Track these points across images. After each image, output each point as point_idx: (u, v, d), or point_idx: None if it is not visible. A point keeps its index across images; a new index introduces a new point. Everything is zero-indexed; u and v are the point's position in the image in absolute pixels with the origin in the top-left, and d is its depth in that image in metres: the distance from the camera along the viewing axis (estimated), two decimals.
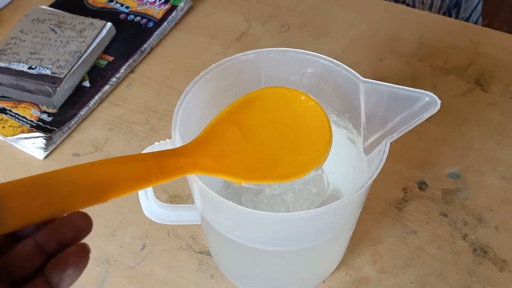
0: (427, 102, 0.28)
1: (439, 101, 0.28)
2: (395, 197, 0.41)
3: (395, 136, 0.28)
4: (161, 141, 0.29)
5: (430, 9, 0.75)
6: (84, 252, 0.20)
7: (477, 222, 0.39)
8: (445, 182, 0.42)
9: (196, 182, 0.26)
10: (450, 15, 0.76)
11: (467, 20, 0.77)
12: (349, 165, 0.34)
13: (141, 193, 0.31)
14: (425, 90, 0.29)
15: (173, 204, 0.41)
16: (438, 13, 0.74)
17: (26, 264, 0.19)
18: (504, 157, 0.43)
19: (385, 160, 0.26)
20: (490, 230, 0.39)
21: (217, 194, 0.25)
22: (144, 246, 0.39)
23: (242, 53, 0.32)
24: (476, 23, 0.78)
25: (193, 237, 0.39)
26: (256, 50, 0.32)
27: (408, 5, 0.75)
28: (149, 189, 0.31)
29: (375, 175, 0.26)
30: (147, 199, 0.31)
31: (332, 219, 0.27)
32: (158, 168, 0.23)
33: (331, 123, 0.34)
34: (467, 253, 0.38)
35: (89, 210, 0.42)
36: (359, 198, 0.27)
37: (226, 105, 0.30)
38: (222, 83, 0.32)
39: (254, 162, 0.27)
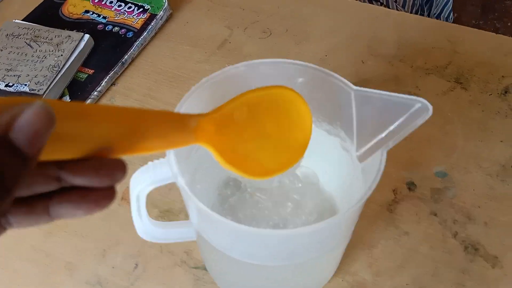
0: (418, 108, 0.29)
1: (430, 107, 0.28)
2: (386, 199, 0.41)
3: (391, 144, 0.28)
4: (155, 161, 0.28)
5: (403, 7, 0.76)
6: (95, 200, 0.19)
7: (466, 219, 0.40)
8: (433, 181, 0.43)
9: (193, 200, 0.25)
10: (422, 12, 0.78)
11: (439, 15, 0.79)
12: (343, 173, 0.34)
13: (134, 211, 0.30)
14: (414, 95, 0.29)
15: (164, 220, 0.41)
16: (411, 11, 0.75)
17: (40, 183, 0.19)
18: (487, 154, 0.44)
19: (382, 170, 0.27)
20: (479, 227, 0.40)
21: (212, 209, 0.25)
22: (137, 265, 0.38)
23: (233, 66, 0.32)
24: (447, 18, 0.80)
25: (187, 252, 0.39)
26: (247, 62, 0.32)
27: (382, 4, 0.76)
28: (143, 207, 0.30)
29: (374, 186, 0.26)
30: (141, 218, 0.31)
31: (332, 232, 0.28)
32: (190, 128, 0.24)
33: (323, 131, 0.34)
34: (459, 251, 0.38)
35: (76, 230, 0.40)
36: (357, 210, 0.27)
37: None
38: (213, 97, 0.32)
39: (255, 156, 0.27)
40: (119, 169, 0.20)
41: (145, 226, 0.31)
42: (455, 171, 0.43)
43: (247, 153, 0.27)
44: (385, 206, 0.41)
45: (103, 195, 0.19)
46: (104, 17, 0.55)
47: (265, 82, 0.33)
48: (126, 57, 0.51)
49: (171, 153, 0.27)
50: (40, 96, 0.46)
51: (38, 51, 0.50)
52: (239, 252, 0.28)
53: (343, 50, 0.53)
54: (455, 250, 0.39)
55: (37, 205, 0.19)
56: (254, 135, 0.27)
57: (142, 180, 0.28)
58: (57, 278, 0.38)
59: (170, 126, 0.23)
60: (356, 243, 0.39)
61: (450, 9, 0.82)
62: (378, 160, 0.27)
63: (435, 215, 0.41)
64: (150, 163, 0.28)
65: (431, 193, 0.42)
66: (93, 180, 0.19)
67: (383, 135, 0.29)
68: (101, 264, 0.39)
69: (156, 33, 0.54)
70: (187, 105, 0.29)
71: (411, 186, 0.42)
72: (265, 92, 0.28)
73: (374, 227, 0.40)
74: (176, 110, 0.29)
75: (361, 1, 0.61)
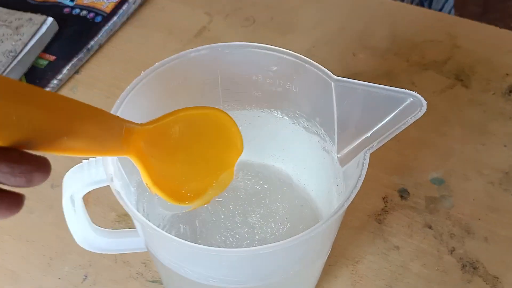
0: (410, 103, 0.24)
1: (424, 102, 0.24)
2: (374, 208, 0.37)
3: (375, 145, 0.23)
4: (90, 159, 0.24)
5: (402, 0, 0.72)
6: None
7: (465, 233, 0.36)
8: (428, 189, 0.38)
9: (129, 209, 0.20)
10: (422, 6, 0.73)
11: (439, 11, 0.74)
12: (323, 176, 0.29)
13: (69, 215, 0.25)
14: (407, 89, 0.25)
15: (122, 225, 0.36)
16: (411, 4, 0.71)
17: None
18: (489, 159, 0.39)
19: (364, 176, 0.22)
20: (479, 242, 0.35)
21: (168, 217, 0.20)
22: (86, 277, 0.34)
23: (193, 49, 0.27)
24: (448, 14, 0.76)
25: (145, 263, 0.34)
26: (210, 45, 0.27)
27: None
28: (81, 210, 0.25)
29: (353, 195, 0.21)
30: (79, 224, 0.26)
31: (303, 249, 0.23)
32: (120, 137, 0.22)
33: (301, 128, 0.30)
34: (456, 269, 0.34)
35: (22, 234, 0.35)
36: (336, 222, 0.22)
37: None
38: (169, 85, 0.27)
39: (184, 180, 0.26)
40: (41, 170, 0.17)
41: (85, 234, 0.26)
42: (452, 178, 0.38)
43: (175, 176, 0.25)
44: (373, 215, 0.36)
45: (10, 198, 0.17)
46: (72, 0, 0.50)
47: (232, 70, 0.28)
48: (92, 43, 0.46)
49: None
50: None
51: None
52: (194, 272, 0.23)
53: (332, 42, 0.48)
54: (452, 269, 0.34)
55: None
56: (185, 157, 0.26)
57: (75, 181, 0.23)
58: None
59: (101, 127, 0.21)
60: (338, 257, 0.34)
61: (451, 5, 0.78)
62: (360, 164, 0.22)
63: (430, 227, 0.36)
64: (84, 161, 0.24)
65: (426, 202, 0.37)
66: (7, 179, 0.16)
67: (368, 134, 0.25)
68: (46, 275, 0.34)
69: (128, 19, 0.50)
70: (134, 96, 0.25)
71: (403, 193, 0.38)
72: (200, 112, 0.26)
73: (360, 239, 0.35)
74: (120, 98, 0.25)
75: None
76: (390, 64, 0.46)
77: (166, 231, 0.27)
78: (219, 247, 0.26)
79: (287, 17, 0.50)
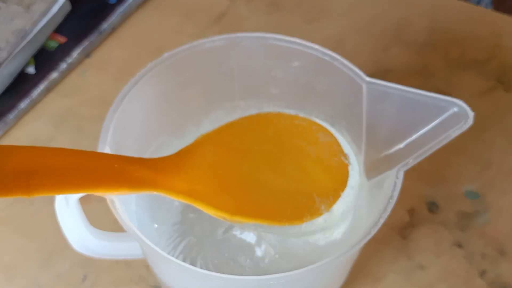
0: (454, 114, 0.21)
1: (471, 114, 0.20)
2: (399, 221, 0.34)
3: (411, 162, 0.20)
4: None
5: None
6: None
7: (498, 254, 0.32)
8: (461, 202, 0.34)
9: (124, 222, 0.18)
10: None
11: (477, 4, 0.69)
12: (348, 189, 0.26)
13: (62, 214, 0.23)
14: (450, 97, 0.21)
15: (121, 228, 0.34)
16: None
17: None
18: None
19: (396, 198, 0.19)
20: None
21: (173, 228, 0.18)
22: (86, 276, 0.32)
23: (208, 39, 0.24)
24: (486, 7, 0.71)
25: (147, 267, 0.32)
26: (226, 35, 0.24)
27: None
28: (76, 209, 0.23)
29: (382, 220, 0.18)
30: (73, 223, 0.23)
31: (319, 276, 0.20)
32: (125, 175, 0.20)
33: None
34: None
35: (21, 226, 0.33)
36: (357, 250, 0.19)
37: (186, 108, 0.22)
38: (179, 78, 0.24)
39: (244, 195, 0.22)
40: None
41: (80, 236, 0.24)
42: (489, 192, 0.35)
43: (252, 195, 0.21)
44: (397, 229, 0.33)
45: None
46: None
47: (250, 64, 0.25)
48: (105, 25, 0.44)
49: (105, 148, 0.20)
50: None
51: (5, 12, 0.43)
52: None
53: (363, 33, 0.44)
54: None
55: None
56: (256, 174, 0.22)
57: None
58: None
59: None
60: (357, 274, 0.31)
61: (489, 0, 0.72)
62: (392, 184, 0.19)
63: (460, 246, 0.32)
64: None
65: (457, 217, 0.34)
66: None
67: (401, 145, 0.22)
68: (44, 271, 0.32)
69: (144, 1, 0.47)
70: (138, 89, 0.22)
71: (432, 206, 0.34)
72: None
73: (382, 256, 0.32)
74: (122, 92, 0.22)
75: None
76: (426, 61, 0.42)
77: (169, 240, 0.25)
78: (218, 268, 0.23)
79: (315, 3, 0.47)
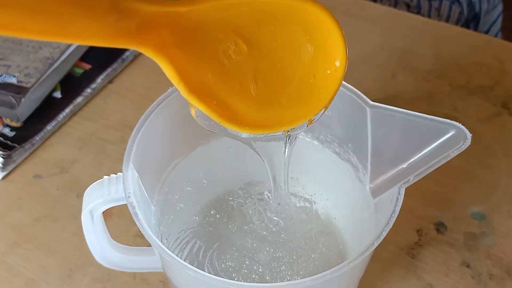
0: (452, 136, 0.22)
1: (469, 135, 0.22)
2: (407, 241, 0.34)
3: (412, 179, 0.22)
4: (112, 175, 0.23)
5: (447, 20, 0.69)
6: None
7: (505, 275, 0.33)
8: (468, 224, 0.35)
9: (146, 233, 0.19)
10: (468, 28, 0.70)
11: (485, 33, 0.71)
12: (352, 205, 0.27)
13: (87, 230, 0.24)
14: (449, 119, 0.23)
15: (143, 241, 0.35)
16: (456, 25, 0.68)
17: None
18: None
19: (398, 212, 0.20)
20: None
21: (192, 236, 0.19)
22: None
23: None
24: (495, 37, 0.72)
25: (163, 282, 0.33)
26: None
27: (423, 15, 0.69)
28: (100, 226, 0.25)
29: (384, 233, 0.20)
30: (97, 240, 0.25)
31: (329, 287, 0.21)
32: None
33: (332, 153, 0.28)
34: None
35: (45, 243, 0.35)
36: (364, 260, 0.21)
37: (200, 130, 0.22)
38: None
39: (246, 91, 0.18)
40: None
41: (103, 249, 0.26)
42: (495, 213, 0.35)
43: (224, 84, 0.17)
44: (405, 249, 0.34)
45: None
46: None
47: None
48: (127, 53, 0.47)
49: (129, 168, 0.22)
50: (27, 89, 0.42)
51: (34, 40, 0.46)
52: None
53: (370, 61, 0.46)
54: None
55: None
56: (248, 58, 0.18)
57: (94, 198, 0.23)
58: None
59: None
60: None
61: (498, 27, 0.74)
62: (394, 200, 0.21)
63: (468, 266, 0.33)
64: (105, 177, 0.23)
65: (465, 238, 0.34)
66: None
67: (404, 165, 0.23)
68: (64, 286, 0.33)
69: None
70: (160, 112, 0.24)
71: (440, 227, 0.35)
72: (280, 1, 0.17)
73: (390, 274, 0.33)
74: (146, 113, 0.24)
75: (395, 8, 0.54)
76: (432, 87, 0.44)
77: (182, 246, 0.26)
78: (233, 275, 0.25)
79: None
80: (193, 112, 0.19)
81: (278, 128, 0.19)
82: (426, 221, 0.35)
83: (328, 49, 0.20)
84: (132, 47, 0.16)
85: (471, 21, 0.72)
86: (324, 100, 0.20)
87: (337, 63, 0.20)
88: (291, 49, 0.19)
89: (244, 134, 0.19)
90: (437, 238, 0.34)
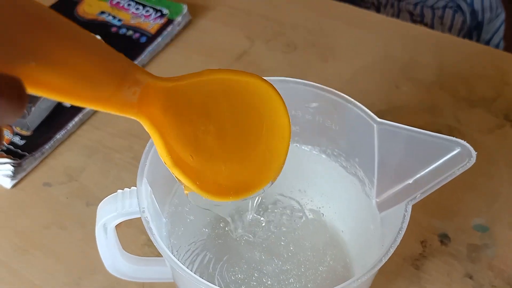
0: (458, 154, 0.23)
1: (474, 153, 0.22)
2: (411, 252, 0.35)
3: (418, 197, 0.22)
4: (125, 189, 0.24)
5: (450, 29, 0.70)
6: None
7: (507, 286, 0.33)
8: (470, 235, 0.36)
9: (159, 245, 0.20)
10: (470, 37, 0.71)
11: (488, 42, 0.72)
12: (357, 219, 0.28)
13: (100, 242, 0.25)
14: (456, 138, 0.23)
15: (150, 250, 0.36)
16: (459, 34, 0.69)
17: None
18: None
19: (405, 229, 0.21)
20: None
21: (201, 249, 0.19)
22: None
23: None
24: (497, 45, 0.73)
25: None
26: None
27: (426, 25, 0.69)
28: (112, 239, 0.25)
29: (392, 250, 0.20)
30: (109, 251, 0.26)
31: None
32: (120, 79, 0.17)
33: (339, 167, 0.28)
34: None
35: (52, 250, 0.35)
36: (371, 277, 0.21)
37: None
38: None
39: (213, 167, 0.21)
40: (9, 93, 0.12)
41: (114, 260, 0.26)
42: (497, 225, 0.36)
43: (203, 157, 0.20)
44: (409, 260, 0.35)
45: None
46: (120, 20, 0.51)
47: None
48: (136, 63, 0.47)
49: (143, 182, 0.22)
50: (37, 98, 0.42)
51: None
52: None
53: (375, 72, 0.47)
54: None
55: None
56: (216, 134, 0.20)
57: (108, 211, 0.23)
58: None
59: (95, 61, 0.16)
60: None
61: (501, 36, 0.75)
62: (401, 217, 0.21)
63: (471, 277, 0.34)
64: (119, 191, 0.24)
65: (468, 250, 0.35)
66: None
67: (409, 181, 0.24)
68: None
69: (171, 40, 0.50)
70: None
71: (443, 238, 0.36)
72: (237, 78, 0.20)
73: (394, 285, 0.33)
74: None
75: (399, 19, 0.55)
76: (435, 98, 0.44)
77: (192, 258, 0.27)
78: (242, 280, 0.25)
79: (329, 44, 0.50)
80: (186, 192, 0.21)
81: (246, 194, 0.22)
82: (430, 233, 0.36)
83: (276, 122, 0.22)
84: (133, 116, 0.18)
85: (474, 29, 0.72)
86: (278, 163, 0.23)
87: (286, 135, 0.22)
88: (249, 123, 0.21)
89: (219, 202, 0.22)
90: (441, 249, 0.35)
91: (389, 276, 0.34)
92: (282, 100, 0.22)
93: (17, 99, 0.12)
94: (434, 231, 0.36)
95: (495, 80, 0.46)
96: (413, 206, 0.36)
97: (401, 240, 0.35)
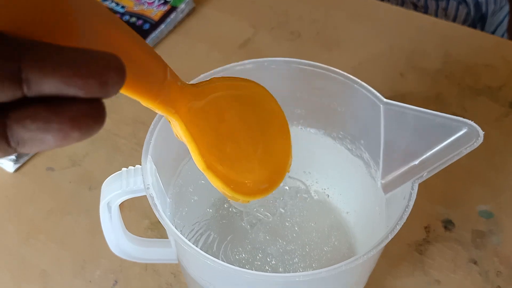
0: (465, 133, 0.23)
1: (481, 133, 0.22)
2: (415, 237, 0.35)
3: (425, 175, 0.22)
4: (130, 167, 0.23)
5: (453, 21, 0.69)
6: (71, 118, 0.12)
7: None
8: (476, 221, 0.35)
9: (164, 221, 0.20)
10: (474, 29, 0.71)
11: (491, 34, 0.71)
12: (363, 201, 0.28)
13: (104, 222, 0.25)
14: (462, 117, 0.23)
15: (154, 233, 0.36)
16: (463, 25, 0.68)
17: None
18: None
19: (411, 207, 0.21)
20: None
21: (206, 228, 0.19)
22: (116, 282, 0.33)
23: (239, 63, 0.27)
24: (501, 38, 0.72)
25: (174, 274, 0.34)
26: (255, 59, 0.27)
27: (430, 16, 0.69)
28: (116, 218, 0.25)
29: (398, 227, 0.20)
30: (113, 231, 0.26)
31: (340, 280, 0.22)
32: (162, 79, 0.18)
33: (344, 150, 0.28)
34: None
35: (57, 236, 0.36)
36: (376, 254, 0.21)
37: None
38: None
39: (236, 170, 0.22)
40: (112, 68, 0.12)
41: (118, 240, 0.26)
42: (503, 212, 0.36)
43: (228, 160, 0.21)
44: (413, 245, 0.34)
45: (84, 110, 0.12)
46: (123, 7, 0.51)
47: (277, 86, 0.28)
48: None
49: (148, 160, 0.22)
50: None
51: None
52: None
53: (380, 61, 0.47)
54: None
55: None
56: (232, 139, 0.21)
57: (112, 189, 0.23)
58: (28, 287, 0.34)
59: (144, 58, 0.17)
60: (375, 287, 0.33)
61: (504, 29, 0.74)
62: (407, 195, 0.21)
63: (475, 263, 0.33)
64: (124, 169, 0.23)
65: (472, 235, 0.35)
66: (72, 82, 0.12)
67: (416, 162, 0.23)
68: (77, 277, 0.34)
69: (174, 27, 0.50)
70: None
71: (448, 224, 0.35)
72: (247, 85, 0.22)
73: (398, 270, 0.33)
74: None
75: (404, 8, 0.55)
76: (440, 87, 0.44)
77: (196, 237, 0.27)
78: (247, 267, 0.25)
79: (334, 33, 0.49)
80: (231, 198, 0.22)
81: (272, 190, 0.23)
82: (434, 219, 0.36)
83: (275, 120, 0.24)
84: (172, 116, 0.19)
85: (478, 21, 0.72)
86: (288, 156, 0.24)
87: (287, 138, 0.24)
88: (255, 124, 0.23)
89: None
90: (445, 235, 0.35)
91: (394, 260, 0.34)
92: (275, 100, 0.23)
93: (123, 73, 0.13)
94: (438, 217, 0.36)
95: (500, 69, 0.45)
96: (418, 193, 0.35)
97: (405, 226, 0.35)
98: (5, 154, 0.13)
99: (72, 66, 0.12)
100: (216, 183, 0.20)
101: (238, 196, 0.21)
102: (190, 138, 0.19)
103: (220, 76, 0.22)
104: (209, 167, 0.20)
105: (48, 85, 0.12)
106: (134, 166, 0.23)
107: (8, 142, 0.12)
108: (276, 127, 0.24)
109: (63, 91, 0.12)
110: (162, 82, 0.18)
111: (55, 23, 0.13)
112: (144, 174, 0.22)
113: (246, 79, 0.22)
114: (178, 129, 0.19)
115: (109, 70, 0.12)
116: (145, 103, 0.17)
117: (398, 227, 0.20)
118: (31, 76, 0.12)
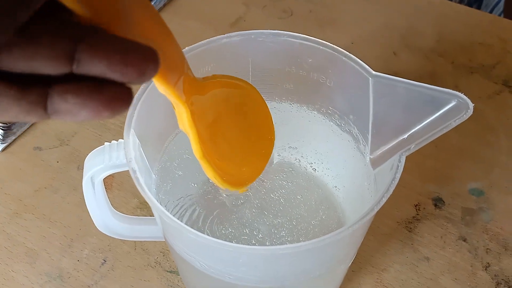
0: (454, 106, 0.22)
1: (471, 105, 0.22)
2: (405, 215, 0.35)
3: (413, 148, 0.22)
4: (113, 141, 0.23)
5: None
6: (107, 99, 0.14)
7: (502, 249, 0.33)
8: (466, 199, 0.35)
9: (146, 195, 0.20)
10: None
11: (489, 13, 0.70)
12: (352, 176, 0.28)
13: (88, 198, 0.25)
14: (454, 91, 0.23)
15: (143, 212, 0.35)
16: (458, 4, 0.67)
17: (45, 56, 0.14)
18: None
19: (398, 179, 0.20)
20: None
21: (193, 204, 0.19)
22: (105, 261, 0.33)
23: (225, 35, 0.26)
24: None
25: (163, 253, 0.33)
26: (242, 31, 0.26)
27: None
28: (100, 194, 0.25)
29: (384, 199, 0.20)
30: (98, 206, 0.25)
31: (326, 252, 0.21)
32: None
33: (333, 125, 0.28)
34: (489, 286, 0.31)
35: (45, 214, 0.35)
36: (363, 226, 0.21)
37: None
38: (196, 72, 0.26)
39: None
40: (151, 60, 0.14)
41: (103, 217, 0.26)
42: (493, 190, 0.36)
43: (221, 152, 0.22)
44: (403, 223, 0.34)
45: (119, 93, 0.14)
46: None
47: (265, 60, 0.27)
48: None
49: (130, 134, 0.22)
50: None
51: None
52: (210, 267, 0.22)
53: (373, 39, 0.46)
54: (485, 286, 0.31)
55: (33, 90, 0.14)
56: (228, 132, 0.23)
57: (94, 164, 0.23)
58: (15, 266, 0.33)
59: (172, 47, 0.19)
60: (363, 264, 0.33)
61: (501, 10, 0.74)
62: (395, 167, 0.21)
63: (465, 240, 0.33)
64: (106, 143, 0.23)
65: (462, 213, 0.35)
66: (117, 68, 0.14)
67: (404, 136, 0.23)
68: (65, 256, 0.34)
69: (164, 5, 0.49)
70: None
71: (438, 202, 0.35)
72: (237, 83, 0.24)
73: (388, 247, 0.33)
74: (146, 84, 0.24)
75: None
76: (434, 66, 0.44)
77: (181, 213, 0.27)
78: (233, 242, 0.25)
79: (327, 11, 0.48)
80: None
81: (255, 178, 0.24)
82: (424, 196, 0.36)
83: (259, 112, 0.25)
84: (182, 104, 0.20)
85: (474, 3, 0.71)
86: (271, 146, 0.25)
87: (271, 131, 0.25)
88: (242, 119, 0.24)
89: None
90: (435, 213, 0.35)
91: (383, 237, 0.34)
92: (259, 92, 0.25)
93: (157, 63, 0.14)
94: (428, 195, 0.36)
95: (495, 48, 0.45)
96: (408, 171, 0.35)
97: (394, 204, 0.35)
98: (39, 119, 0.14)
99: (120, 55, 0.14)
100: (210, 174, 0.21)
101: (230, 187, 0.22)
102: (194, 128, 0.20)
103: (220, 74, 0.23)
104: (207, 158, 0.21)
105: (95, 68, 0.14)
106: (117, 141, 0.23)
107: (45, 109, 0.14)
108: (263, 120, 0.25)
109: (106, 74, 0.14)
110: (182, 73, 0.19)
111: (114, 12, 0.15)
112: (126, 148, 0.21)
113: (242, 79, 0.24)
114: (183, 117, 0.20)
115: (148, 62, 0.14)
116: (163, 89, 0.18)
117: (385, 199, 0.20)
118: (83, 57, 0.14)
